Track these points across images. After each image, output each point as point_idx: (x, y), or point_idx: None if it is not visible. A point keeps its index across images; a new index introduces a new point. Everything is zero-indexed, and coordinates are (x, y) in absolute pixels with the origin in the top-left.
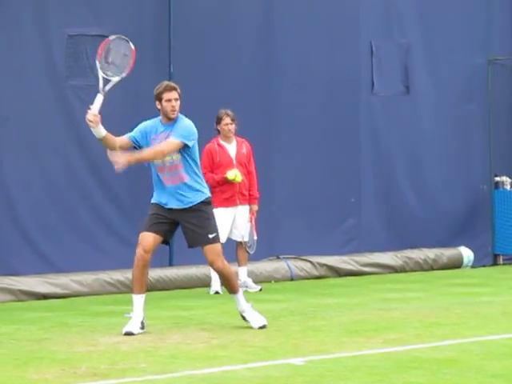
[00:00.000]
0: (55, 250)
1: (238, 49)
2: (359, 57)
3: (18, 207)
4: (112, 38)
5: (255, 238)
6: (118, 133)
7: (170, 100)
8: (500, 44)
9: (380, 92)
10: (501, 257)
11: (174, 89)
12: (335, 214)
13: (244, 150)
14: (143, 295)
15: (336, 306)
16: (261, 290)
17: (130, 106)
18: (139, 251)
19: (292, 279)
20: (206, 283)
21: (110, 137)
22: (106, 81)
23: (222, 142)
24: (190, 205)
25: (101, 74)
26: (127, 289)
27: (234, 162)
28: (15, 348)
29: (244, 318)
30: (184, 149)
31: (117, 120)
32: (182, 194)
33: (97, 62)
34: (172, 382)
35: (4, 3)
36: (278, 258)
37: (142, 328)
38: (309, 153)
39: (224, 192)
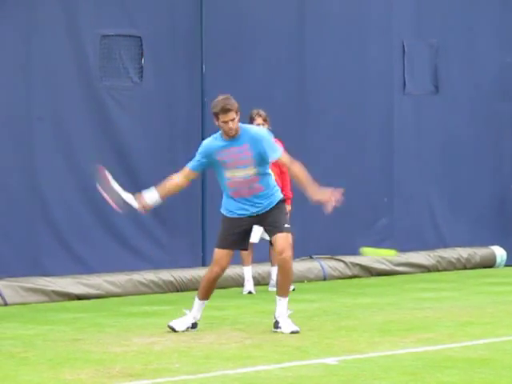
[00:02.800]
0: (88, 250)
1: (270, 49)
2: (391, 56)
3: (52, 208)
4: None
5: None
6: (155, 131)
7: (226, 122)
8: None
9: (411, 92)
10: None
11: (230, 110)
12: (368, 214)
13: None
14: (206, 301)
15: (369, 305)
16: (294, 290)
17: (164, 107)
18: (216, 270)
19: (325, 279)
20: (239, 283)
21: (164, 190)
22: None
23: None
24: (269, 207)
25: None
26: (160, 289)
27: None
28: (49, 349)
29: (277, 323)
30: (263, 161)
31: (152, 120)
32: (257, 202)
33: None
34: (206, 382)
35: (36, 4)
36: (311, 257)
37: (194, 327)
38: (341, 152)
39: None
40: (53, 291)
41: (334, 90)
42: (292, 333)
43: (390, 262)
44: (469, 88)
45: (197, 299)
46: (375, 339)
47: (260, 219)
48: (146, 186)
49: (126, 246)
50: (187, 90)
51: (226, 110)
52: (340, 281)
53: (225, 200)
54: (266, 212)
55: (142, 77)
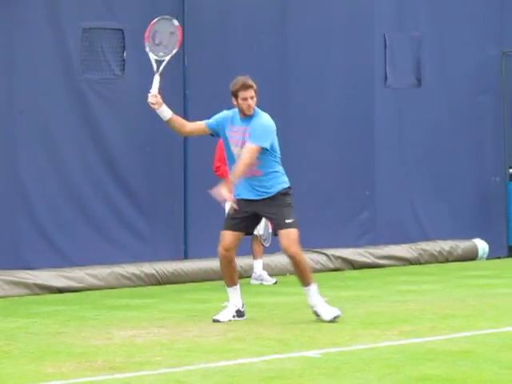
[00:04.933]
0: (70, 243)
1: (253, 42)
2: (373, 49)
3: (33, 201)
4: (155, 20)
5: (270, 231)
6: (137, 124)
7: (245, 99)
8: None
9: (393, 84)
10: None
11: (251, 87)
12: (350, 207)
13: None
14: (236, 286)
15: (351, 298)
16: (276, 282)
17: (146, 99)
18: (220, 251)
19: None
20: (221, 276)
21: (177, 119)
22: (159, 62)
23: None
24: (266, 196)
25: (152, 57)
26: (142, 282)
27: None
28: (31, 342)
29: (315, 312)
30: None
31: (133, 113)
32: (256, 187)
33: (146, 46)
34: (188, 375)
35: None
36: None
37: (241, 316)
38: (323, 146)
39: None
40: (35, 284)
41: (316, 83)
42: (334, 318)
43: (372, 254)
44: (451, 81)
45: (227, 289)
46: (357, 332)
47: (262, 208)
48: (127, 179)
49: (107, 239)
50: (169, 82)
51: (246, 87)
52: (322, 274)
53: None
54: (269, 201)
55: (123, 70)
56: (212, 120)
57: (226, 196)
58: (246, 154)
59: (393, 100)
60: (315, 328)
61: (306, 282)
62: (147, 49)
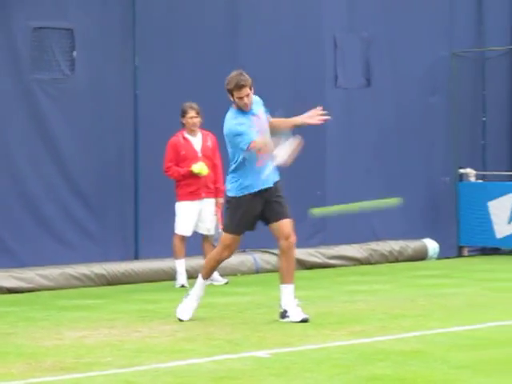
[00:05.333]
0: (21, 244)
1: (203, 43)
2: (323, 50)
3: None
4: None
5: (221, 231)
6: (87, 123)
7: (241, 98)
8: (463, 37)
9: (343, 85)
10: (466, 249)
11: (244, 86)
12: (301, 207)
13: (209, 143)
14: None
15: (301, 298)
16: (227, 283)
17: (96, 99)
18: (227, 254)
19: (258, 272)
20: (171, 277)
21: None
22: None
23: (186, 135)
24: (275, 181)
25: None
26: (92, 283)
27: (200, 155)
28: None
29: (284, 313)
30: None
31: (83, 113)
32: (272, 172)
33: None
34: (137, 376)
35: None
36: (244, 251)
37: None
38: None
39: (189, 185)
40: None
41: (267, 84)
42: (302, 321)
43: (323, 254)
44: (401, 81)
45: (202, 279)
46: (307, 332)
47: (273, 193)
48: (77, 180)
49: (58, 240)
50: (119, 82)
51: (240, 87)
52: (273, 274)
53: (243, 178)
54: (275, 186)
55: (73, 69)
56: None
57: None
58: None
59: (343, 100)
60: (265, 328)
61: (290, 280)
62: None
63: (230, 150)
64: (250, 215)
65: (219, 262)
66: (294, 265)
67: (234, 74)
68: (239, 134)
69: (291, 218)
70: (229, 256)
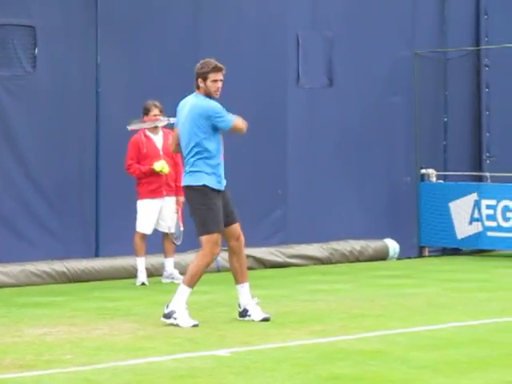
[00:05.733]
0: None
1: (166, 40)
2: (286, 48)
3: None
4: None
5: (182, 229)
6: (48, 120)
7: (216, 81)
8: (425, 37)
9: (305, 84)
10: (426, 249)
11: (221, 70)
12: (262, 206)
13: (171, 141)
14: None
15: (262, 297)
16: None
17: (57, 96)
18: (217, 252)
19: (219, 271)
20: (132, 274)
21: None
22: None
23: (148, 133)
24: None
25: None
26: (53, 280)
27: (161, 153)
28: None
29: (244, 312)
30: None
31: (44, 110)
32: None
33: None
34: (97, 373)
35: None
36: None
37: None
38: (235, 144)
39: (151, 183)
40: None
41: (229, 82)
42: (263, 320)
43: (283, 253)
44: (363, 81)
45: (188, 289)
46: (268, 331)
47: (225, 196)
48: (38, 176)
49: (18, 237)
50: (81, 80)
51: (219, 68)
52: None
53: (210, 171)
54: (226, 194)
55: (35, 66)
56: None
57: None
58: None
59: (305, 100)
60: (225, 327)
61: (246, 278)
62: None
63: (200, 135)
64: (220, 211)
65: (210, 263)
66: (246, 263)
67: (207, 59)
68: (221, 113)
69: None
70: (217, 254)
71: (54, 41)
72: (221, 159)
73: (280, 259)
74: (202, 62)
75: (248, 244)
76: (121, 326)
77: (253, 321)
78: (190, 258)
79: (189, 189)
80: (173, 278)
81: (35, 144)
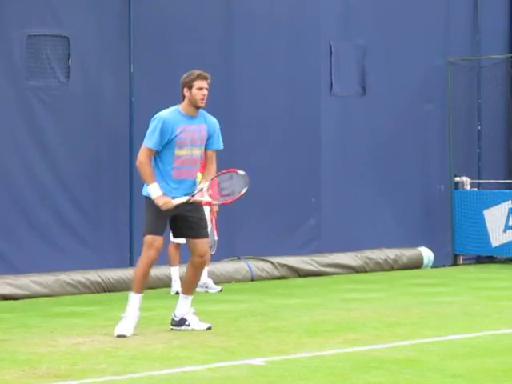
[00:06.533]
0: (15, 250)
1: (198, 49)
2: (318, 57)
3: None
4: (241, 173)
5: (216, 238)
6: (81, 131)
7: (201, 88)
8: (458, 45)
9: (338, 93)
10: (461, 257)
11: (206, 78)
12: (296, 215)
13: None
14: (142, 295)
15: (297, 306)
16: (221, 290)
17: (91, 107)
18: (154, 254)
19: (253, 280)
20: (166, 284)
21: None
22: (201, 195)
23: None
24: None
25: (205, 188)
26: (87, 290)
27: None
28: None
29: (184, 320)
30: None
31: (78, 120)
32: (191, 187)
33: (218, 177)
34: (132, 383)
35: None
36: (239, 258)
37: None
38: (269, 153)
39: None
40: None
41: (262, 91)
42: (208, 329)
43: (318, 262)
44: (396, 90)
45: (132, 294)
46: (302, 340)
47: (187, 210)
48: (72, 187)
49: (53, 247)
50: (115, 90)
51: (203, 77)
52: (268, 281)
53: (159, 182)
54: (192, 207)
55: (68, 77)
56: (155, 138)
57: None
58: (213, 163)
59: (338, 108)
60: (260, 336)
61: (192, 291)
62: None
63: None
64: (162, 218)
65: (149, 265)
66: (199, 279)
67: (191, 71)
68: (148, 132)
69: (207, 235)
70: (155, 256)
71: (88, 51)
72: (177, 174)
73: (314, 268)
74: (186, 73)
75: (282, 253)
76: (155, 335)
77: (193, 330)
78: (225, 267)
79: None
80: (207, 288)
81: (69, 154)
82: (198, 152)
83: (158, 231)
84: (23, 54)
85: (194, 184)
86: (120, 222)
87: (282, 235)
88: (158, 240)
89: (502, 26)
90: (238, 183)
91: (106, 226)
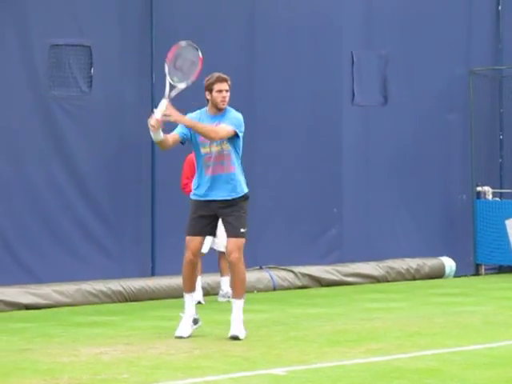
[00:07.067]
0: (37, 260)
1: (220, 58)
2: (340, 67)
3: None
4: (183, 44)
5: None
6: (104, 141)
7: (220, 91)
8: (481, 54)
9: (360, 102)
10: (483, 267)
11: (226, 80)
12: (317, 224)
13: None
14: (193, 294)
15: (318, 316)
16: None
17: (113, 116)
18: (188, 256)
19: (274, 289)
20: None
21: (166, 138)
22: (172, 87)
23: None
24: (230, 198)
25: (168, 80)
26: (109, 299)
27: None
28: None
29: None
30: (234, 139)
31: (100, 130)
32: (225, 184)
33: (165, 66)
34: None
35: None
36: (261, 268)
37: (196, 323)
38: (291, 163)
39: None
40: (1, 301)
41: (283, 100)
42: (232, 338)
43: (339, 272)
44: (417, 99)
45: (185, 294)
46: (324, 350)
47: (222, 211)
48: (94, 196)
49: (74, 256)
50: (137, 99)
51: (222, 79)
52: (289, 291)
53: (195, 182)
54: (230, 205)
55: (91, 86)
56: (180, 128)
57: (175, 116)
58: (219, 127)
59: (360, 118)
60: (282, 346)
61: (235, 294)
62: (166, 69)
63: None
64: (199, 220)
65: (185, 265)
66: (239, 278)
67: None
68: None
69: (242, 236)
70: (191, 257)
71: (110, 60)
72: (208, 171)
73: (336, 277)
74: (206, 77)
75: (304, 262)
76: (177, 344)
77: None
78: (247, 277)
79: None
80: (229, 297)
81: (91, 164)
82: (215, 149)
83: (193, 232)
84: (46, 64)
85: (230, 179)
86: (142, 231)
87: (304, 245)
88: (192, 241)
89: None
90: (188, 53)
91: (129, 236)
